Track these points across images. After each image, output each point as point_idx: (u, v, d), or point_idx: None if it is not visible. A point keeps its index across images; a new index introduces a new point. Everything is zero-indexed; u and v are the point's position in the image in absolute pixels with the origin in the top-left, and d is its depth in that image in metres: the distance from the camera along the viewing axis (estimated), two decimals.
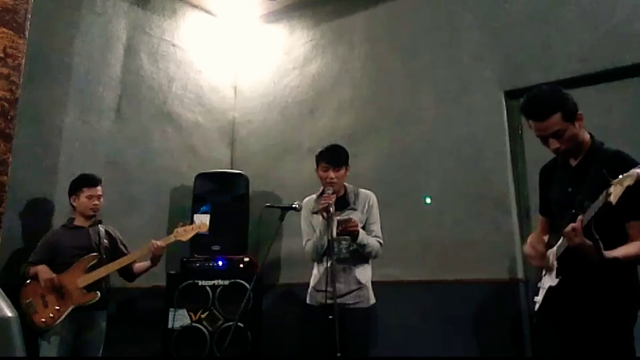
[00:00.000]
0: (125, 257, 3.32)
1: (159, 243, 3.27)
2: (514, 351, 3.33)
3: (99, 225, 3.43)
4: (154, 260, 3.36)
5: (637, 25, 3.23)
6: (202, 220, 3.55)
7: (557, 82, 3.05)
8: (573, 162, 2.14)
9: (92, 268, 3.21)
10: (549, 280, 2.10)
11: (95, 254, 3.27)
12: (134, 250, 3.39)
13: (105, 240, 3.39)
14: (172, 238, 3.35)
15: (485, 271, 3.48)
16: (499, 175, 3.59)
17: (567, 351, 2.05)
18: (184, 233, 3.37)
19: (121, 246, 3.49)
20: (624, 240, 1.94)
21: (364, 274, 3.02)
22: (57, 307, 3.09)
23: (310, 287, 3.09)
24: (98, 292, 3.17)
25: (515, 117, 3.63)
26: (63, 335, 3.09)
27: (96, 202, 3.34)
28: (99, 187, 3.36)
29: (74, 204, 3.35)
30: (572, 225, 1.85)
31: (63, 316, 3.08)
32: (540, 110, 2.02)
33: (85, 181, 3.34)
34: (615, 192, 1.68)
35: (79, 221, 3.37)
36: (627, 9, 3.28)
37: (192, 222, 4.10)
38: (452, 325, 3.52)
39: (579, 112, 2.05)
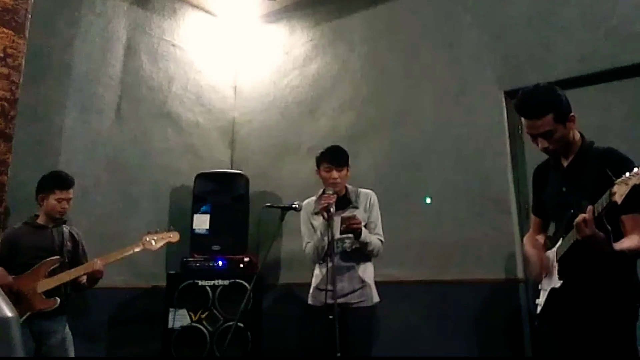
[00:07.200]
0: (87, 263, 3.09)
1: (100, 262, 3.05)
2: (514, 351, 3.32)
3: (64, 226, 3.21)
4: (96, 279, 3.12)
5: (637, 25, 3.23)
6: (174, 231, 3.37)
7: (557, 82, 3.02)
8: (565, 162, 2.13)
9: (53, 272, 3.01)
10: (550, 282, 2.09)
11: (57, 257, 3.06)
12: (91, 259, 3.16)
13: (68, 243, 3.17)
14: (140, 246, 3.21)
15: (485, 271, 3.48)
16: (499, 175, 3.59)
17: (569, 353, 2.04)
18: (154, 243, 3.25)
19: (81, 252, 3.25)
20: (620, 236, 1.92)
21: (367, 272, 3.03)
22: None
23: (312, 287, 3.09)
24: (57, 298, 2.98)
25: (515, 117, 3.62)
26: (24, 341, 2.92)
27: (65, 205, 3.11)
28: (70, 190, 3.13)
29: (41, 203, 3.11)
30: (582, 215, 1.80)
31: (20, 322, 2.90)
32: (533, 109, 2.01)
33: (58, 182, 3.10)
34: (619, 191, 1.66)
35: (42, 220, 3.14)
36: (627, 9, 3.28)
37: (190, 223, 4.14)
38: (452, 325, 3.52)
39: (572, 114, 2.04)
